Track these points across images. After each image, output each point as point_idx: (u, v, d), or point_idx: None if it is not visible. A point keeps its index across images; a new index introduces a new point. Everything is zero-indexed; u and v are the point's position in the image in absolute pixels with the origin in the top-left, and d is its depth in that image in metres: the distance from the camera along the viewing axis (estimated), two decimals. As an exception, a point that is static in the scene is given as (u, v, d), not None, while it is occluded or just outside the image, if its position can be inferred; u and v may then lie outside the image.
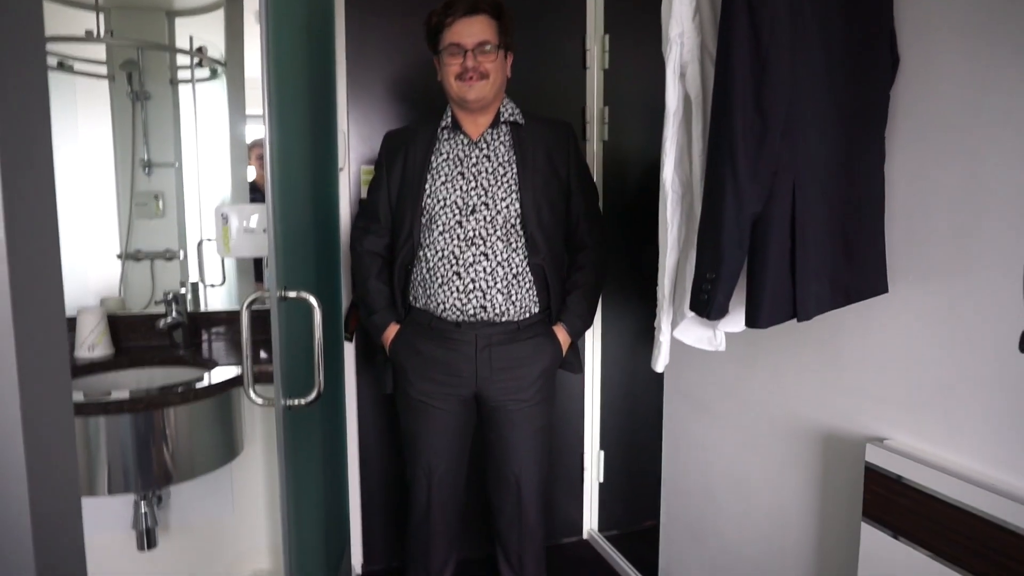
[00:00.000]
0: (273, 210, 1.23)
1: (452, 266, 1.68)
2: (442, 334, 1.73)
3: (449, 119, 1.77)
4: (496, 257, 1.69)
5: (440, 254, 1.69)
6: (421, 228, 1.72)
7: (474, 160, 1.73)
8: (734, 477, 1.73)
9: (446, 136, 1.76)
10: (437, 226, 1.70)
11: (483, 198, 1.70)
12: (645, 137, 2.51)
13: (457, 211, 1.69)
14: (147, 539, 1.77)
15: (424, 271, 1.72)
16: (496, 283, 1.69)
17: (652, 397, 2.41)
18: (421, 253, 1.72)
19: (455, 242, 1.68)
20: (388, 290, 1.81)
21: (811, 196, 1.03)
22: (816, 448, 1.47)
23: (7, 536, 0.39)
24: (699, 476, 1.87)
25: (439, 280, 1.69)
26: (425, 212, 1.72)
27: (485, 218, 1.69)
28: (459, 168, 1.72)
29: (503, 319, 1.71)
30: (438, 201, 1.70)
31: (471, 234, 1.68)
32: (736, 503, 1.73)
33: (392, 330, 1.79)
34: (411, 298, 1.79)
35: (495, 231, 1.69)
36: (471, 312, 1.69)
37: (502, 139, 1.77)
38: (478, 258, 1.68)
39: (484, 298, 1.68)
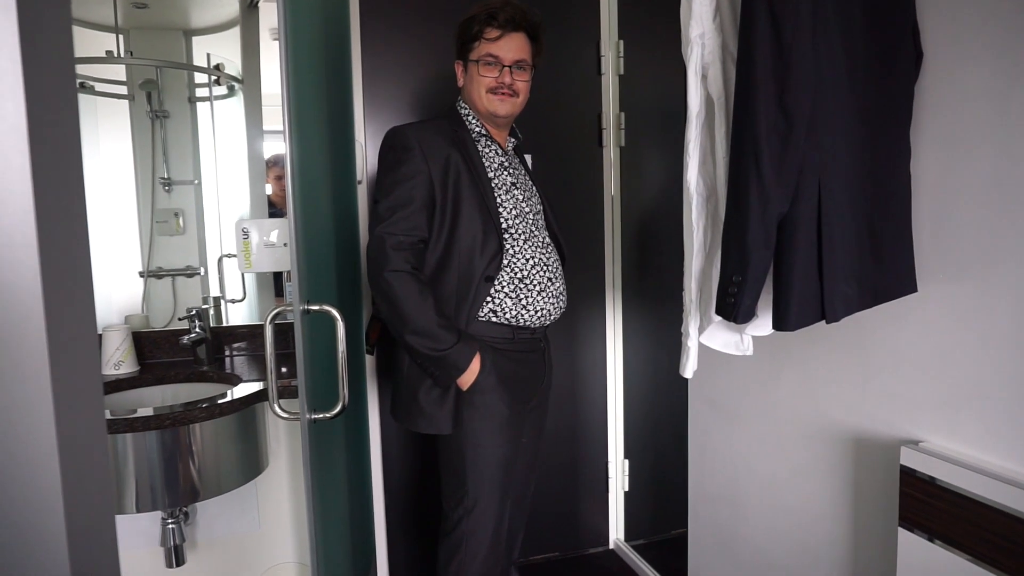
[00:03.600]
0: (295, 223, 1.23)
1: (545, 272, 1.70)
2: (525, 344, 1.71)
3: (481, 128, 1.74)
4: (558, 259, 1.78)
5: (532, 262, 1.67)
6: (503, 237, 1.66)
7: (513, 169, 1.76)
8: (763, 483, 1.70)
9: (483, 144, 1.74)
10: (520, 234, 1.68)
11: (536, 205, 1.77)
12: (662, 142, 2.50)
13: (530, 219, 1.72)
14: (175, 556, 1.78)
15: (516, 281, 1.65)
16: (566, 283, 1.79)
17: (676, 404, 2.40)
18: (506, 262, 1.65)
19: (540, 249, 1.70)
20: (444, 316, 1.59)
21: (837, 195, 1.01)
22: (847, 452, 1.44)
23: (44, 555, 0.39)
24: (727, 483, 1.84)
25: (537, 288, 1.68)
26: (504, 220, 1.67)
27: (542, 224, 1.77)
28: (511, 178, 1.73)
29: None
30: (511, 209, 1.68)
31: (546, 240, 1.74)
32: (765, 509, 1.70)
33: (477, 362, 1.60)
34: (488, 312, 1.64)
35: (549, 236, 1.78)
36: (555, 316, 1.74)
37: (512, 149, 1.83)
38: (556, 262, 1.75)
39: (565, 298, 1.77)
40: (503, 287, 1.64)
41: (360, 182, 2.19)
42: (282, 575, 2.12)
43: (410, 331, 1.52)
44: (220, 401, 1.64)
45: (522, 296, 1.65)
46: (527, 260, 1.67)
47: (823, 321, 1.05)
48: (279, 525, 2.10)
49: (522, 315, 1.66)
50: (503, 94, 1.67)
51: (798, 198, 0.97)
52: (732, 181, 1.00)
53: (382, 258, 1.53)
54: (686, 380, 2.00)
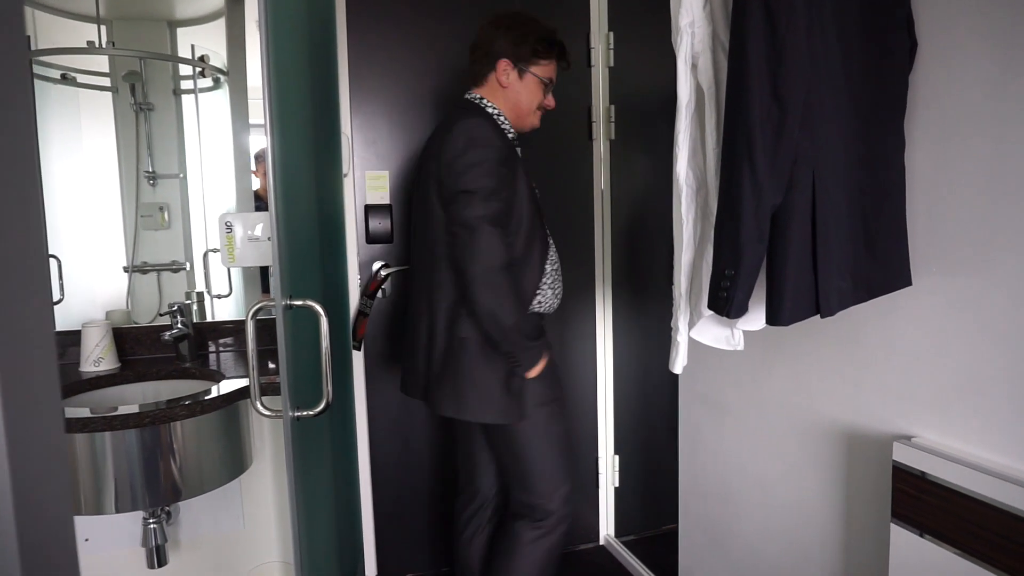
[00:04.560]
0: (276, 217, 1.20)
1: (558, 264, 1.77)
2: (543, 332, 1.77)
3: (509, 127, 1.75)
4: None
5: (556, 253, 1.77)
6: (546, 230, 1.75)
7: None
8: (754, 478, 1.69)
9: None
10: (547, 227, 1.76)
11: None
12: (652, 136, 2.48)
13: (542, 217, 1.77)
14: (157, 557, 1.75)
15: (554, 272, 1.74)
16: None
17: (666, 399, 2.39)
18: (549, 254, 1.73)
19: (553, 244, 1.77)
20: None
21: (831, 187, 0.99)
22: (839, 447, 1.43)
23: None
24: (717, 478, 1.83)
25: (560, 278, 1.78)
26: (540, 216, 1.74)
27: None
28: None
29: None
30: (540, 206, 1.76)
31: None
32: (757, 505, 1.69)
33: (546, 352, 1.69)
34: (536, 303, 1.70)
35: None
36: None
37: None
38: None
39: None
40: (549, 279, 1.72)
41: (346, 175, 2.16)
42: (267, 575, 2.09)
43: (515, 321, 1.54)
44: (202, 399, 1.61)
45: (556, 286, 1.74)
46: (555, 252, 1.75)
47: (817, 316, 1.03)
48: (264, 524, 2.07)
49: (553, 304, 1.75)
50: (541, 113, 1.77)
51: (792, 189, 0.95)
52: (724, 172, 0.98)
53: (497, 251, 1.51)
54: (676, 375, 1.98)
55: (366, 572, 2.32)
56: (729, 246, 0.97)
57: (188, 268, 2.15)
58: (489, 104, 1.70)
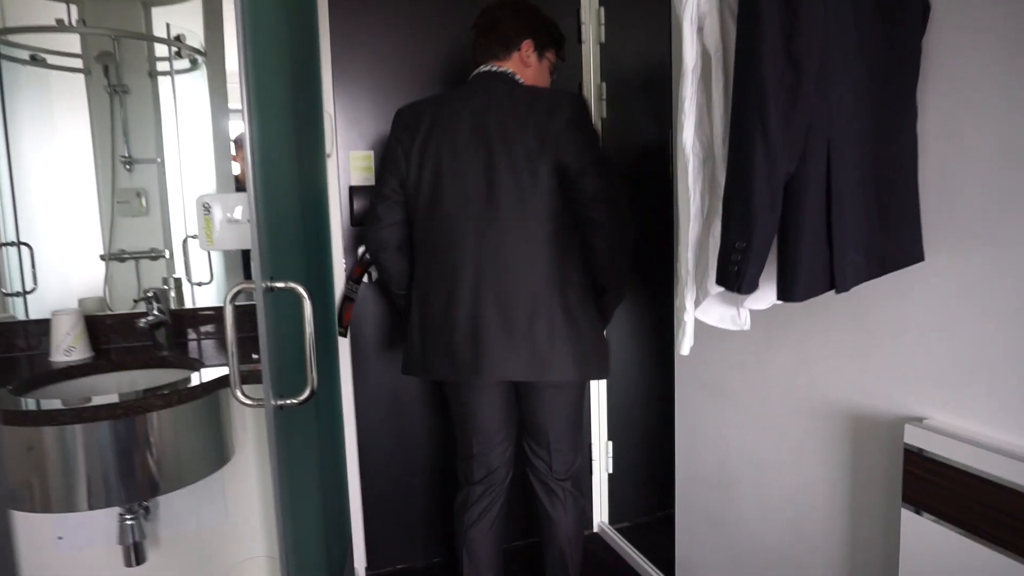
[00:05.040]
0: (255, 195, 1.13)
1: None
2: None
3: None
4: None
5: None
6: None
7: None
8: (755, 463, 1.64)
9: None
10: None
11: None
12: (645, 112, 2.42)
13: None
14: (135, 554, 1.67)
15: None
16: None
17: (662, 383, 2.34)
18: None
19: None
20: None
21: (846, 157, 0.94)
22: (845, 430, 1.38)
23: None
24: (716, 463, 1.78)
25: None
26: None
27: None
28: None
29: None
30: None
31: None
32: (758, 490, 1.64)
33: None
34: None
35: None
36: None
37: None
38: None
39: None
40: None
41: (329, 155, 2.08)
42: (252, 570, 2.02)
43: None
44: (179, 388, 1.53)
45: None
46: None
47: (831, 291, 0.98)
48: (248, 517, 2.00)
49: None
50: None
51: (806, 158, 0.89)
52: (734, 140, 0.92)
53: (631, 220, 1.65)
54: (672, 357, 1.93)
55: (355, 564, 2.26)
56: (739, 217, 0.91)
57: (168, 256, 2.07)
58: (519, 79, 1.73)
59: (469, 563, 1.86)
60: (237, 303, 1.22)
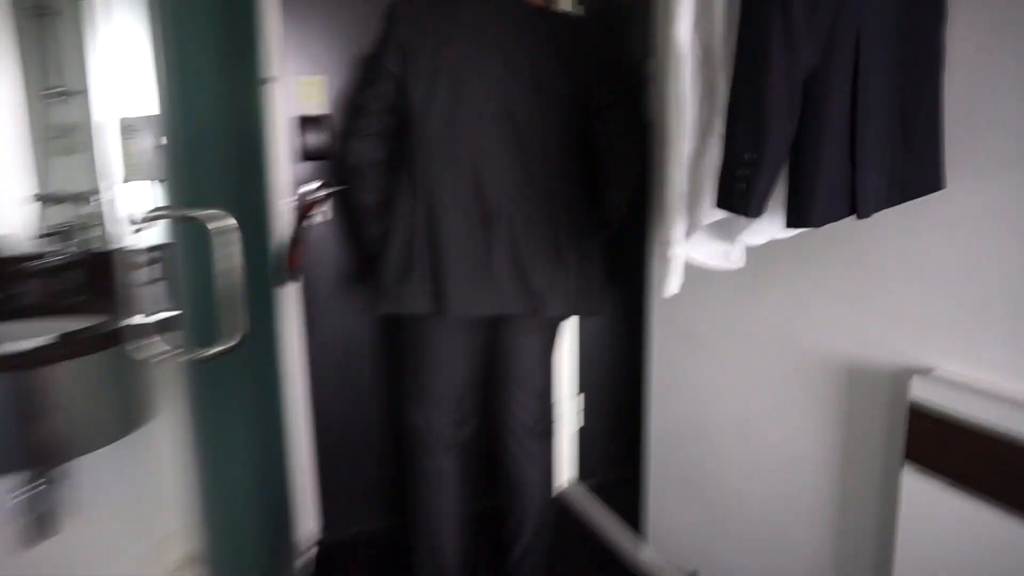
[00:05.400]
0: (168, 116, 0.94)
1: None
2: None
3: None
4: None
5: None
6: None
7: None
8: (736, 419, 1.52)
9: None
10: None
11: None
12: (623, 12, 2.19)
13: None
14: (39, 529, 1.48)
15: None
16: None
17: (634, 328, 2.17)
18: None
19: None
20: None
21: (875, 54, 0.77)
22: (841, 382, 1.25)
23: None
24: (693, 419, 1.66)
25: None
26: None
27: None
28: None
29: None
30: None
31: None
32: (738, 448, 1.52)
33: None
34: None
35: None
36: None
37: None
38: None
39: None
40: None
41: (271, 80, 1.85)
42: (177, 544, 1.85)
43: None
44: (85, 336, 1.33)
45: None
46: None
47: (828, 225, 0.82)
48: (174, 486, 1.81)
49: None
50: None
51: (832, 49, 0.72)
52: (746, 25, 0.75)
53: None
54: (645, 303, 1.79)
55: (309, 528, 2.11)
56: (749, 121, 0.74)
57: (100, 195, 1.84)
58: None
59: (429, 541, 1.72)
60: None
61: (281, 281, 1.91)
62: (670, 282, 0.99)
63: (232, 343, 0.99)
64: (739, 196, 0.76)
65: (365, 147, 1.53)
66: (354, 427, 2.14)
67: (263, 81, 1.82)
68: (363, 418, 2.15)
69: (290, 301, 1.97)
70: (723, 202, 0.79)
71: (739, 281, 1.44)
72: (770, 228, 0.95)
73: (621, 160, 1.57)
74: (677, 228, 0.96)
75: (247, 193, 1.61)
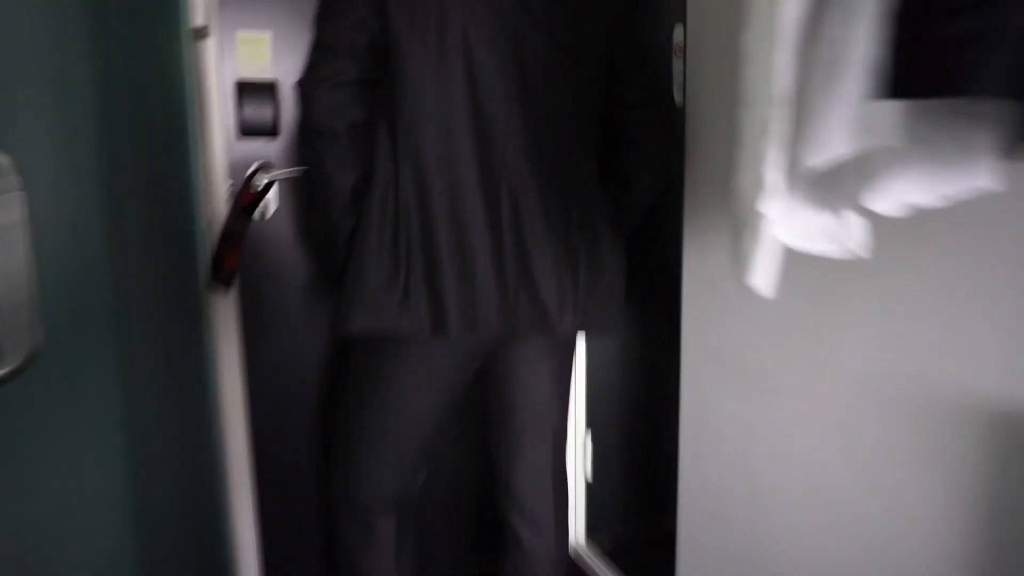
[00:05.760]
0: None
1: None
2: None
3: None
4: None
5: None
6: None
7: None
8: (807, 480, 1.11)
9: None
10: None
11: None
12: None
13: None
14: None
15: None
16: None
17: (655, 353, 1.75)
18: None
19: None
20: None
21: None
22: (975, 433, 0.85)
23: None
24: (742, 474, 1.26)
25: None
26: None
27: None
28: None
29: None
30: None
31: None
32: (804, 514, 1.11)
33: None
34: None
35: None
36: None
37: None
38: None
39: None
40: None
41: (206, 36, 1.47)
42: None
43: None
44: None
45: None
46: None
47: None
48: None
49: None
50: None
51: None
52: None
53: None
54: (677, 326, 1.38)
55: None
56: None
57: None
58: None
59: None
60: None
61: (207, 289, 1.52)
62: (755, 267, 0.58)
63: (12, 366, 0.59)
64: (954, 59, 0.36)
65: (339, 101, 1.14)
66: (309, 476, 1.73)
67: (195, 34, 1.45)
68: (321, 467, 1.73)
69: (225, 316, 1.57)
70: (928, 75, 0.39)
71: (801, 290, 1.04)
72: (914, 180, 0.55)
73: (653, 128, 1.33)
74: (768, 186, 0.56)
75: (164, 176, 1.23)
